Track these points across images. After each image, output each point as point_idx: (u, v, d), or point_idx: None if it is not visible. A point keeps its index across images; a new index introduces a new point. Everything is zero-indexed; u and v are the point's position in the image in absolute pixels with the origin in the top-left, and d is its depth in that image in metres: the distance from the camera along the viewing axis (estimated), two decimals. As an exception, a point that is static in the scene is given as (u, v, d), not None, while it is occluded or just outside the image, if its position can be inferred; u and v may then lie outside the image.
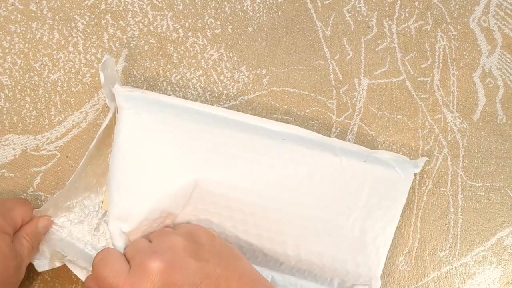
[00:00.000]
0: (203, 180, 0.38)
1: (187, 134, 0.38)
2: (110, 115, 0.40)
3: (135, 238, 0.38)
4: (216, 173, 0.38)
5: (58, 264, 0.40)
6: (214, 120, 0.40)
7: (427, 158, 0.46)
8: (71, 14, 0.43)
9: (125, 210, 0.37)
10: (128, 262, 0.35)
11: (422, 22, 0.47)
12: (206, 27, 0.45)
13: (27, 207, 0.39)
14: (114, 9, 0.44)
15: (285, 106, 0.45)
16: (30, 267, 0.39)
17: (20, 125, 0.42)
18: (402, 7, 0.47)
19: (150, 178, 0.37)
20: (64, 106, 0.43)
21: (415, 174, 0.46)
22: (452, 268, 0.46)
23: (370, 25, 0.47)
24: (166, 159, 0.37)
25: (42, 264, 0.39)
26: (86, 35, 0.43)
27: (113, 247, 0.37)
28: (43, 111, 0.43)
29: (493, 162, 0.47)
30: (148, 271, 0.32)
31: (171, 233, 0.36)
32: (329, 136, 0.45)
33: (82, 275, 0.39)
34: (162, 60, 0.44)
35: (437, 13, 0.47)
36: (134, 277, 0.33)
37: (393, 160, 0.42)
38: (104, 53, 0.43)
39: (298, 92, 0.45)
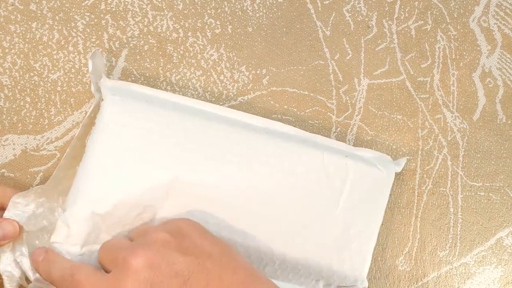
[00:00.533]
0: (182, 178, 0.37)
1: (169, 128, 0.38)
2: (93, 104, 0.40)
3: (109, 224, 0.36)
4: (196, 174, 0.38)
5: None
6: (200, 116, 0.39)
7: (408, 158, 0.46)
8: (71, 14, 0.43)
9: (99, 192, 0.36)
10: (105, 265, 0.33)
11: (422, 22, 0.47)
12: (206, 27, 0.45)
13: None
14: (114, 9, 0.44)
15: (285, 106, 0.45)
16: None
17: (20, 125, 0.42)
18: (402, 7, 0.47)
19: (127, 165, 0.37)
20: (64, 106, 0.43)
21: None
22: (452, 268, 0.46)
23: (370, 25, 0.47)
24: (146, 150, 0.37)
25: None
26: (86, 35, 0.43)
27: (67, 234, 0.36)
28: (43, 111, 0.43)
29: (493, 162, 0.47)
30: (132, 268, 0.31)
31: (155, 229, 0.35)
32: (329, 137, 0.45)
33: None
34: (162, 60, 0.44)
35: (437, 13, 0.47)
36: (118, 277, 0.31)
37: (375, 158, 0.43)
38: (104, 53, 0.43)
39: (298, 92, 0.46)
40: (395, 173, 0.43)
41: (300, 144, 0.41)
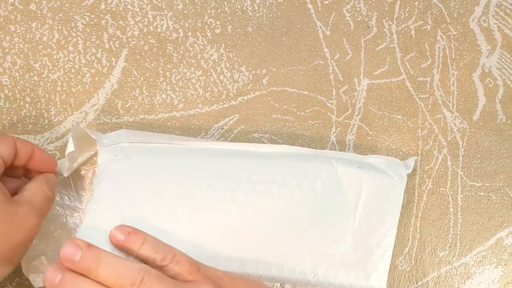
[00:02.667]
0: (195, 215, 0.37)
1: (168, 171, 0.38)
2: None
3: None
4: (209, 211, 0.37)
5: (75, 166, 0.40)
6: (201, 153, 0.39)
7: (416, 157, 0.46)
8: (71, 14, 0.43)
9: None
10: None
11: (422, 22, 0.47)
12: (206, 27, 0.45)
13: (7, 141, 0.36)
14: (114, 9, 0.44)
15: (285, 106, 0.45)
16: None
17: (20, 125, 0.42)
18: (402, 7, 0.47)
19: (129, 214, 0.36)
20: (64, 106, 0.43)
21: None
22: (452, 268, 0.46)
23: (370, 25, 0.47)
24: (145, 196, 0.37)
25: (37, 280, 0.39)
26: (86, 35, 0.43)
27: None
28: (43, 111, 0.43)
29: (493, 162, 0.47)
30: None
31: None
32: (329, 137, 0.45)
33: None
34: (162, 60, 0.44)
35: (437, 13, 0.47)
36: None
37: (385, 164, 0.42)
38: (104, 53, 0.43)
39: (298, 92, 0.45)
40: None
41: (312, 160, 0.40)
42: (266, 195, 0.38)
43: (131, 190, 0.37)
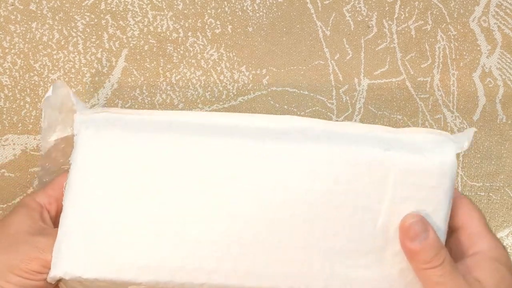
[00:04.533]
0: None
1: (159, 157, 0.32)
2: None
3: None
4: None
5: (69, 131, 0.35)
6: (193, 131, 0.33)
7: (475, 129, 0.37)
8: (71, 14, 0.43)
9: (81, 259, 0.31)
10: None
11: (422, 22, 0.47)
12: (206, 27, 0.45)
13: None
14: (114, 9, 0.44)
15: (285, 106, 0.45)
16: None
17: (20, 125, 0.42)
18: (402, 7, 0.47)
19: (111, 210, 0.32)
20: (64, 106, 0.43)
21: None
22: (452, 268, 0.46)
23: (370, 25, 0.47)
24: (129, 187, 0.32)
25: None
26: (86, 35, 0.43)
27: None
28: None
29: (493, 162, 0.47)
30: None
31: None
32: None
33: None
34: (162, 60, 0.44)
35: (437, 13, 0.47)
36: None
37: (425, 140, 0.34)
38: (104, 53, 0.43)
39: (298, 92, 0.46)
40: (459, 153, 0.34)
41: (323, 143, 0.33)
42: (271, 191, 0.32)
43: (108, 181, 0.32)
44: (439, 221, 0.32)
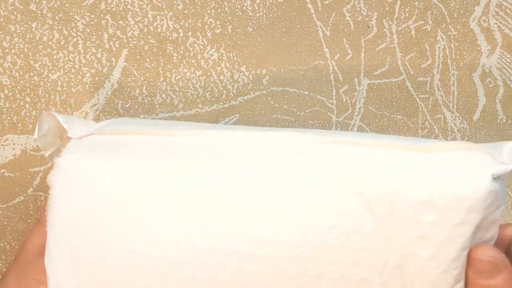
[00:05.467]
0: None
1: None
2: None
3: None
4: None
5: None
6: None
7: None
8: (71, 14, 0.43)
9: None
10: None
11: (422, 22, 0.47)
12: (206, 27, 0.45)
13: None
14: (114, 9, 0.44)
15: (285, 106, 0.45)
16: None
17: (20, 125, 0.42)
18: (402, 7, 0.47)
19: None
20: (64, 106, 0.43)
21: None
22: (452, 268, 0.46)
23: (370, 25, 0.47)
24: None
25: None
26: (86, 35, 0.43)
27: None
28: (43, 111, 0.43)
29: (493, 162, 0.47)
30: None
31: None
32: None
33: None
34: (162, 60, 0.44)
35: (437, 13, 0.47)
36: None
37: (455, 159, 0.26)
38: (104, 53, 0.43)
39: (298, 92, 0.45)
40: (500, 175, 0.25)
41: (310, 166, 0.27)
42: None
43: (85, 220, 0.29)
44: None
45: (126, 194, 0.29)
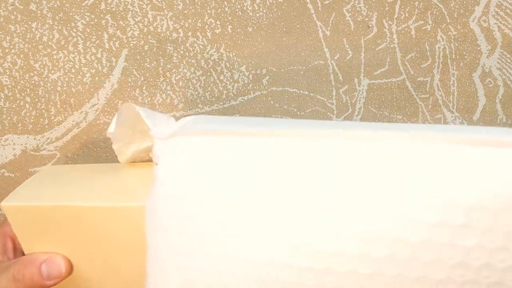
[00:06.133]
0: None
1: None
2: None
3: None
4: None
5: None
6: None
7: None
8: (71, 14, 0.43)
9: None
10: None
11: (422, 22, 0.47)
12: (206, 27, 0.45)
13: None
14: (114, 9, 0.44)
15: (285, 106, 0.45)
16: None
17: (20, 125, 0.42)
18: (402, 7, 0.47)
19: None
20: (64, 106, 0.43)
21: None
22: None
23: (370, 25, 0.47)
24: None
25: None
26: (86, 35, 0.43)
27: None
28: (43, 111, 0.43)
29: (493, 162, 0.47)
30: None
31: None
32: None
33: None
34: (162, 60, 0.44)
35: (437, 13, 0.47)
36: None
37: None
38: (104, 53, 0.43)
39: (298, 92, 0.45)
40: None
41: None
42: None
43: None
44: None
45: (241, 211, 0.25)
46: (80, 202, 0.29)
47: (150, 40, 0.44)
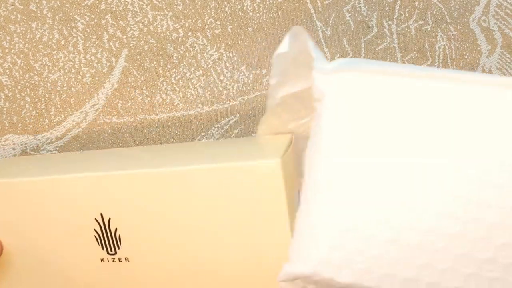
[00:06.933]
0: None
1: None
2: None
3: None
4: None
5: None
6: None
7: None
8: (71, 14, 0.43)
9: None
10: None
11: (422, 22, 0.47)
12: (206, 27, 0.45)
13: None
14: (114, 9, 0.44)
15: (285, 106, 0.45)
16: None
17: (20, 125, 0.42)
18: (402, 7, 0.47)
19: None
20: (64, 106, 0.43)
21: None
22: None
23: (370, 25, 0.47)
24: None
25: None
26: (86, 35, 0.43)
27: None
28: (43, 111, 0.43)
29: (493, 162, 0.47)
30: None
31: None
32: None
33: None
34: (162, 60, 0.44)
35: (437, 13, 0.47)
36: None
37: None
38: (104, 53, 0.43)
39: (298, 92, 0.46)
40: None
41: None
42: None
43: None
44: None
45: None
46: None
47: (150, 40, 0.44)
